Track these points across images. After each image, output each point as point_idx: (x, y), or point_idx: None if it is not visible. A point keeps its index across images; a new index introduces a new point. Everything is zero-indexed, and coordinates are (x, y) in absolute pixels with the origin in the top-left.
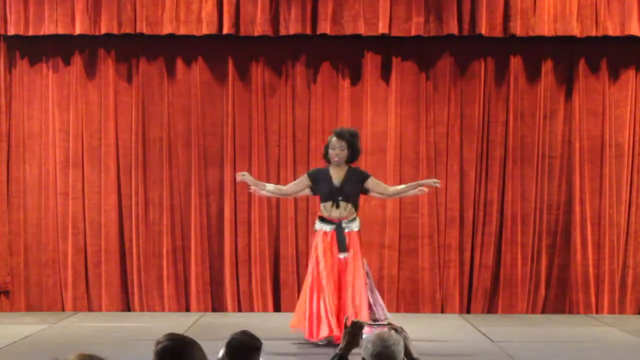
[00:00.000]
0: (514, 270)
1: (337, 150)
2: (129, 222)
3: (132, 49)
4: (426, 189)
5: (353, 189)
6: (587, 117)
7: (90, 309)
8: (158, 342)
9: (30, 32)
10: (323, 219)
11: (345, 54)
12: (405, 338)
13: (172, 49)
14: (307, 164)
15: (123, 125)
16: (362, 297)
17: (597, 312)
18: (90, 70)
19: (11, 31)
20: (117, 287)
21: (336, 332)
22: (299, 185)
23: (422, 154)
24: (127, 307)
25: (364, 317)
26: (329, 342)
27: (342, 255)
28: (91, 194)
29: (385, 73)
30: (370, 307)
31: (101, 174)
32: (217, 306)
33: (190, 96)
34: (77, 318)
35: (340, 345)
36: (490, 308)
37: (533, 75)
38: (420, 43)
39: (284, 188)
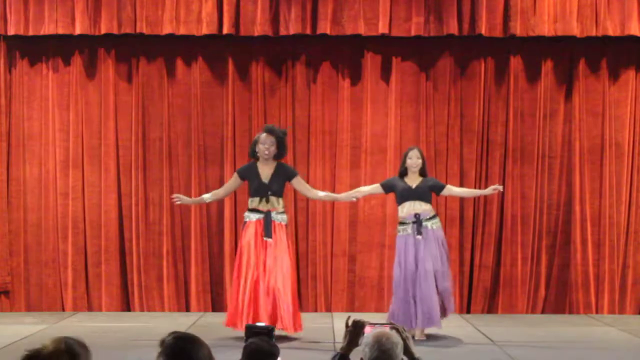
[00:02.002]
0: (514, 270)
1: (267, 145)
2: (129, 222)
3: (132, 49)
4: (358, 196)
5: (280, 184)
6: (587, 117)
7: (90, 309)
8: (164, 340)
9: (30, 32)
10: (252, 210)
11: (345, 54)
12: (406, 338)
13: (172, 49)
14: (307, 163)
15: (123, 125)
16: (284, 285)
17: (597, 312)
18: (90, 70)
19: (11, 31)
20: (117, 287)
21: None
22: (232, 185)
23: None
24: (127, 307)
25: (285, 305)
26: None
27: (266, 238)
28: (91, 194)
29: (385, 73)
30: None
31: (101, 174)
32: (217, 306)
33: (190, 96)
34: (77, 318)
35: (342, 345)
36: (490, 308)
37: (533, 75)
38: (420, 43)
39: (219, 192)
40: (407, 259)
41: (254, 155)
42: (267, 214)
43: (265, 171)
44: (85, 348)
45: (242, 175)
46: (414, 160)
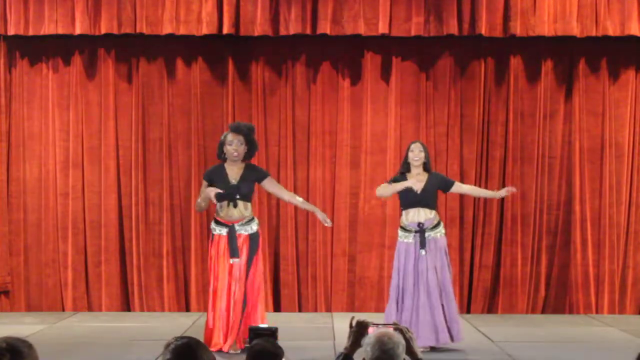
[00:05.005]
0: (514, 270)
1: (235, 145)
2: (129, 222)
3: (132, 49)
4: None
5: (250, 187)
6: (587, 117)
7: (90, 309)
8: (169, 343)
9: (30, 32)
10: (218, 222)
11: (345, 54)
12: (410, 339)
13: (172, 49)
14: (307, 163)
15: (123, 125)
16: (255, 301)
17: (597, 312)
18: (90, 70)
19: (11, 31)
20: (117, 287)
21: (225, 346)
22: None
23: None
24: (127, 307)
25: (256, 321)
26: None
27: (232, 261)
28: (91, 194)
29: (385, 73)
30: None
31: (101, 174)
32: None
33: (190, 96)
34: (77, 318)
35: (346, 345)
36: (490, 308)
37: (533, 75)
38: (420, 43)
39: (202, 202)
40: (407, 267)
41: (222, 157)
42: (231, 230)
43: (234, 172)
44: (30, 346)
45: (209, 178)
46: (415, 152)
